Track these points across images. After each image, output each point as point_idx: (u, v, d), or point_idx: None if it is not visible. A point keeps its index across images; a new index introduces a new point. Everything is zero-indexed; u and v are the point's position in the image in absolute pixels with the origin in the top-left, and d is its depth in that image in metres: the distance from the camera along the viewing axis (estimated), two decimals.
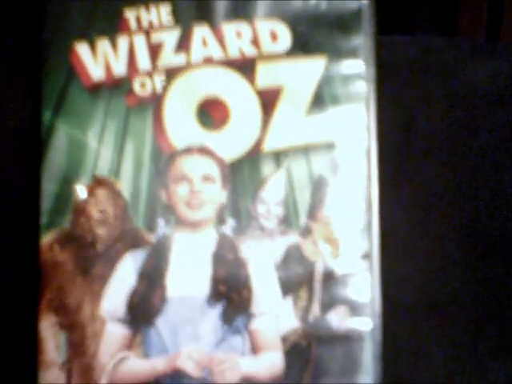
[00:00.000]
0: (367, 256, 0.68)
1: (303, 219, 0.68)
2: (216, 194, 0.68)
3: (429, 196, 0.74)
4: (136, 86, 0.68)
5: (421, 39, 0.76)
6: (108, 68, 0.68)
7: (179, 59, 0.69)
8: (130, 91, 0.68)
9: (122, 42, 0.69)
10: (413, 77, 0.75)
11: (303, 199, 0.68)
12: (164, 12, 0.69)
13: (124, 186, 0.68)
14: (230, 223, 0.68)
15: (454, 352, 0.73)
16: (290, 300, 0.67)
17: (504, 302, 0.74)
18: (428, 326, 0.73)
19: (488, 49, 0.78)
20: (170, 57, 0.69)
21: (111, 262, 0.67)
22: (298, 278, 0.67)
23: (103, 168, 0.68)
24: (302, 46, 0.69)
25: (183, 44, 0.69)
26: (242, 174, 0.68)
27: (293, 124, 0.68)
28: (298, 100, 0.68)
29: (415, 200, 0.74)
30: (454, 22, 0.98)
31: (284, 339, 0.67)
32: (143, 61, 0.69)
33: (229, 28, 0.69)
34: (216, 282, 0.67)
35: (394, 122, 0.74)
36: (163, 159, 0.68)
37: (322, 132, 0.68)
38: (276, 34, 0.69)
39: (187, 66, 0.69)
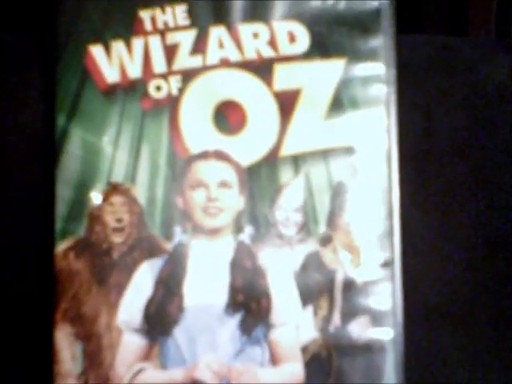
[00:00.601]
0: (389, 264, 0.66)
1: (323, 226, 0.67)
2: (233, 201, 0.67)
3: (451, 199, 0.73)
4: (151, 89, 0.68)
5: (439, 38, 0.75)
6: (123, 70, 0.68)
7: (195, 61, 0.68)
8: (145, 94, 0.67)
9: (137, 43, 0.68)
10: (432, 76, 0.74)
11: (322, 205, 0.67)
12: (180, 12, 0.68)
13: (140, 192, 0.67)
14: (248, 230, 0.67)
15: (476, 358, 0.72)
16: (309, 310, 0.66)
17: None
18: (450, 332, 0.72)
19: (509, 45, 0.77)
20: (185, 58, 0.68)
21: (127, 270, 0.66)
22: (317, 287, 0.66)
23: (118, 174, 0.67)
24: (320, 47, 0.68)
25: (199, 45, 0.68)
26: (260, 180, 0.67)
27: (311, 128, 0.67)
28: (316, 103, 0.67)
29: (437, 204, 0.73)
30: (462, 21, 0.96)
31: (304, 350, 0.66)
32: (159, 63, 0.68)
33: (245, 29, 0.68)
34: (234, 290, 0.65)
35: (413, 124, 0.72)
36: (179, 164, 0.67)
37: (341, 136, 0.67)
38: (294, 35, 0.67)
39: (203, 68, 0.68)
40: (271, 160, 0.67)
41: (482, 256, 0.72)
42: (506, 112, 0.74)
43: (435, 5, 0.98)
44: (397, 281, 0.67)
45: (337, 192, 0.67)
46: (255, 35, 0.67)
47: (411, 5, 0.96)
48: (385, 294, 0.66)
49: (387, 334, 0.66)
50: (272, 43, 0.67)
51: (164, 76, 0.68)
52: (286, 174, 0.67)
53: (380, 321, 0.66)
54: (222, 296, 0.66)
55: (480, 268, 0.72)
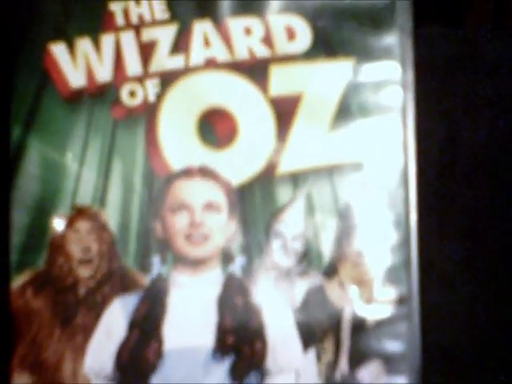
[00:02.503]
0: (405, 300, 0.62)
1: (327, 256, 0.63)
2: (222, 226, 0.62)
3: (477, 222, 0.71)
4: (124, 95, 0.64)
5: (462, 32, 0.74)
6: (90, 73, 0.64)
7: (176, 62, 0.64)
8: (116, 101, 0.64)
9: (107, 41, 0.64)
10: (455, 77, 0.72)
11: (327, 232, 0.63)
12: (158, 4, 0.64)
13: (111, 217, 0.63)
14: (239, 261, 0.62)
15: None
16: (312, 354, 0.62)
17: None
18: (474, 380, 0.69)
19: None
20: (164, 59, 0.64)
21: (96, 309, 0.62)
22: (321, 328, 0.62)
23: (85, 195, 0.63)
24: (324, 45, 0.64)
25: (181, 43, 0.64)
26: (253, 202, 0.63)
27: (314, 140, 0.64)
28: (319, 111, 0.63)
29: (461, 229, 0.71)
30: (458, 12, 0.97)
31: None
32: (132, 64, 0.64)
33: (236, 24, 0.64)
34: (223, 332, 0.61)
35: (434, 135, 0.71)
36: (157, 184, 0.63)
37: (348, 150, 0.63)
38: (293, 31, 0.64)
39: (186, 70, 0.64)
40: (266, 178, 0.63)
41: (510, 288, 0.70)
42: None
43: None
44: (414, 319, 0.63)
45: (344, 215, 0.63)
46: (247, 31, 0.64)
47: None
48: (400, 335, 0.63)
49: (403, 381, 0.63)
50: (267, 40, 0.64)
51: (139, 79, 0.64)
52: (283, 194, 0.63)
53: (394, 366, 0.62)
54: (208, 338, 0.61)
55: (508, 302, 0.70)
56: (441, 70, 0.71)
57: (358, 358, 0.62)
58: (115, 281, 0.62)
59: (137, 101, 0.63)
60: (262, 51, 0.63)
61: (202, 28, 0.63)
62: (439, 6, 0.94)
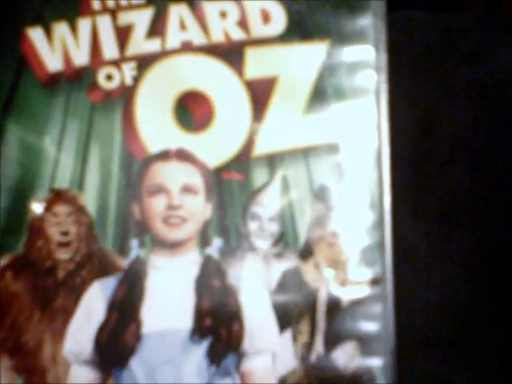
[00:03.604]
0: (379, 281, 0.62)
1: (303, 238, 0.62)
2: (199, 209, 0.62)
3: (452, 206, 0.71)
4: (101, 79, 0.63)
5: (440, 17, 0.73)
6: (67, 57, 0.63)
7: (153, 45, 0.64)
8: (93, 85, 0.63)
9: (84, 25, 0.63)
10: (431, 62, 0.71)
11: (303, 213, 0.63)
12: None
13: (89, 200, 0.63)
14: (216, 243, 0.62)
15: None
16: (288, 335, 0.62)
17: None
18: (449, 358, 0.70)
19: None
20: (141, 42, 0.64)
21: (75, 292, 0.62)
22: (297, 309, 0.62)
23: (63, 179, 0.63)
24: (299, 28, 0.63)
25: (157, 27, 0.64)
26: (230, 184, 0.63)
27: (289, 122, 0.63)
28: (295, 93, 0.63)
29: (435, 211, 0.71)
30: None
31: (282, 382, 0.62)
32: (109, 47, 0.64)
33: (211, 7, 0.64)
34: (200, 314, 0.61)
35: (409, 118, 0.71)
36: (135, 167, 0.63)
37: (323, 132, 0.63)
38: (268, 13, 0.63)
39: (162, 54, 0.64)
40: (243, 161, 0.63)
41: (482, 271, 0.70)
42: None
43: None
44: (388, 300, 0.63)
45: (319, 197, 0.63)
46: (223, 14, 0.64)
47: None
48: (374, 316, 0.62)
49: (377, 361, 0.63)
50: (243, 24, 0.64)
51: (116, 63, 0.64)
52: (259, 176, 0.63)
53: (369, 347, 0.62)
54: (186, 320, 0.61)
55: (480, 284, 0.70)
56: (417, 55, 0.71)
57: (334, 338, 0.62)
58: (94, 263, 0.62)
59: (114, 84, 0.63)
60: (237, 34, 0.63)
61: (177, 11, 0.63)
62: None
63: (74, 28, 0.63)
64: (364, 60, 0.63)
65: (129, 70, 0.63)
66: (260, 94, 0.63)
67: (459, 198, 0.70)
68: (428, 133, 0.70)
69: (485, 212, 0.70)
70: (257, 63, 0.63)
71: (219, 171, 0.62)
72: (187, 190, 0.62)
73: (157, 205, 0.61)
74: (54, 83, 0.63)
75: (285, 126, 0.63)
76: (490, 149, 0.70)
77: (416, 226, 0.70)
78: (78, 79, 0.63)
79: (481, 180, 0.70)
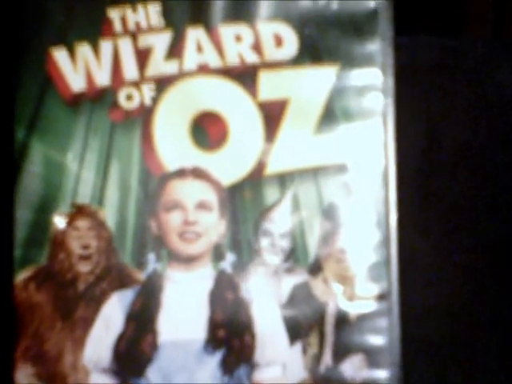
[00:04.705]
0: (385, 296, 0.63)
1: (313, 254, 0.63)
2: (213, 225, 0.63)
3: (455, 223, 0.71)
4: (121, 99, 0.64)
5: (443, 40, 0.72)
6: (89, 77, 0.64)
7: (171, 67, 0.64)
8: (114, 104, 0.64)
9: (106, 46, 0.64)
10: (435, 84, 0.71)
11: (312, 230, 0.63)
12: (153, 12, 0.64)
13: (108, 215, 0.63)
14: (230, 258, 0.63)
15: None
16: (298, 347, 0.63)
17: None
18: (454, 370, 0.70)
19: None
20: (160, 64, 0.64)
21: (95, 303, 0.63)
22: (307, 322, 0.63)
23: (85, 194, 0.63)
24: (310, 52, 0.64)
25: (175, 49, 0.64)
26: (243, 201, 0.63)
27: (300, 143, 0.64)
28: (305, 115, 0.64)
29: (440, 228, 0.71)
30: (458, 21, 0.95)
31: None
32: (130, 69, 0.64)
33: (227, 31, 0.64)
34: (214, 325, 0.62)
35: (414, 138, 0.71)
36: (153, 183, 0.64)
37: (333, 152, 0.64)
38: (281, 38, 0.64)
39: (180, 75, 0.64)
40: (255, 179, 0.64)
41: (485, 283, 0.70)
42: None
43: (429, 5, 0.97)
44: (394, 315, 0.63)
45: (328, 215, 0.63)
46: (238, 38, 0.64)
47: (404, 4, 0.94)
48: (381, 330, 0.63)
49: (384, 374, 0.63)
50: (256, 47, 0.64)
51: (136, 84, 0.64)
52: (271, 194, 0.63)
53: (376, 359, 0.63)
54: (200, 332, 0.62)
55: (484, 296, 0.70)
56: (420, 76, 0.71)
57: (342, 351, 0.62)
58: (113, 276, 0.63)
59: (133, 104, 0.64)
60: (251, 57, 0.63)
61: (194, 35, 0.64)
62: (438, 17, 0.94)
63: (96, 49, 0.64)
64: (372, 83, 0.63)
65: (148, 91, 0.64)
66: (272, 114, 0.63)
67: (460, 213, 0.70)
68: (431, 149, 0.70)
69: (488, 225, 0.70)
70: (269, 85, 0.63)
71: (233, 189, 0.63)
72: (202, 206, 0.62)
73: (173, 220, 0.62)
74: (77, 102, 0.63)
75: (296, 146, 0.63)
76: (491, 163, 0.70)
77: (421, 243, 0.70)
78: (99, 99, 0.64)
79: (483, 193, 0.70)
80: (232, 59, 0.64)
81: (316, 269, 0.63)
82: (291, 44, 0.64)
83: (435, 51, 0.71)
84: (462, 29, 0.91)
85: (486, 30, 0.90)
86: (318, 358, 0.62)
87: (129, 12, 0.64)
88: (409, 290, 0.64)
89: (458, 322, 0.70)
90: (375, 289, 0.63)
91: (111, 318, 0.62)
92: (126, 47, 0.64)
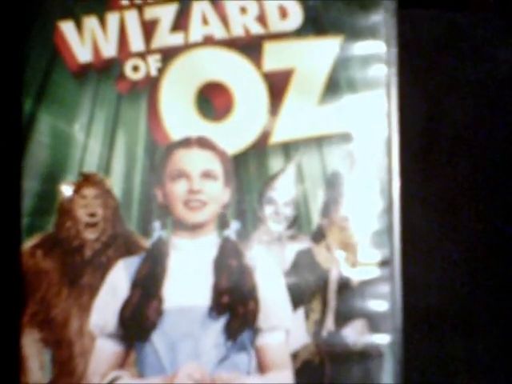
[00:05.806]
0: (387, 262, 0.63)
1: (316, 221, 0.64)
2: (218, 193, 0.63)
3: (458, 193, 0.71)
4: (128, 70, 0.65)
5: (447, 14, 0.72)
6: (96, 49, 0.64)
7: (176, 39, 0.65)
8: (121, 75, 0.64)
9: (112, 19, 0.65)
10: (439, 57, 0.71)
11: (316, 198, 0.64)
12: None
13: (115, 184, 0.64)
14: (234, 226, 0.63)
15: (484, 366, 0.70)
16: (301, 313, 0.63)
17: None
18: (452, 336, 0.70)
19: None
20: (165, 36, 0.65)
21: (101, 269, 0.63)
22: (310, 288, 0.63)
23: (91, 163, 0.64)
24: (314, 23, 0.64)
25: (181, 21, 0.65)
26: (248, 170, 0.64)
27: (304, 112, 0.64)
28: (310, 85, 0.64)
29: (442, 198, 0.71)
30: None
31: (294, 357, 0.63)
32: (136, 40, 0.65)
33: (232, 3, 0.64)
34: (218, 292, 0.62)
35: (417, 109, 0.71)
36: (158, 153, 0.64)
37: (336, 121, 0.64)
38: (285, 10, 0.64)
39: (185, 47, 0.65)
40: (260, 148, 0.64)
41: (485, 256, 0.70)
42: None
43: None
44: (396, 281, 0.63)
45: (332, 183, 0.64)
46: (243, 10, 0.64)
47: None
48: (383, 296, 0.63)
49: (385, 339, 0.63)
50: (261, 19, 0.64)
51: (142, 55, 0.65)
52: (276, 163, 0.64)
53: (377, 325, 0.63)
54: (204, 298, 0.62)
55: (483, 268, 0.70)
56: (424, 50, 0.71)
57: (344, 316, 0.63)
58: (119, 243, 0.63)
59: (140, 75, 0.64)
60: (256, 29, 0.64)
61: (200, 7, 0.64)
62: None
63: (102, 22, 0.64)
64: (375, 54, 0.64)
65: (154, 62, 0.64)
66: (277, 85, 0.64)
67: (463, 184, 0.70)
68: (434, 123, 0.70)
69: (488, 199, 0.70)
70: (274, 56, 0.64)
71: (237, 158, 0.63)
72: (207, 175, 0.63)
73: (178, 189, 0.63)
74: (84, 74, 0.64)
75: (300, 115, 0.63)
76: (492, 139, 0.70)
77: (422, 212, 0.70)
78: (106, 70, 0.64)
79: (486, 169, 0.70)
80: (237, 31, 0.64)
81: (319, 236, 0.63)
82: (296, 16, 0.64)
83: (437, 25, 0.71)
84: (466, 2, 0.91)
85: (489, 4, 0.90)
86: (320, 323, 0.63)
87: None
88: (410, 257, 0.64)
89: (459, 292, 0.70)
90: (378, 255, 0.63)
91: (117, 284, 0.63)
92: (132, 19, 0.64)
